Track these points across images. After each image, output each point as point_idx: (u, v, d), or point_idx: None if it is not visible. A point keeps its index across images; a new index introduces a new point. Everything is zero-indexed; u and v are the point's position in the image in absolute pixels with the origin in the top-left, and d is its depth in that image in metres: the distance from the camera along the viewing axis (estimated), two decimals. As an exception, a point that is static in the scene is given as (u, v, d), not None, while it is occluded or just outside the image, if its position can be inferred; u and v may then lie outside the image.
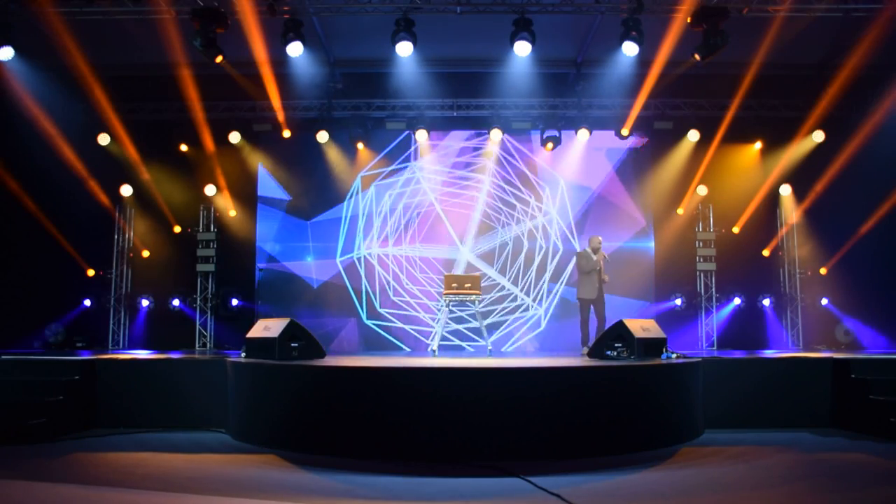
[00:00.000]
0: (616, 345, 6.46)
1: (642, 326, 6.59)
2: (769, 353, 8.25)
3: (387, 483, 4.48)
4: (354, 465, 4.92)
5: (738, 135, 10.89)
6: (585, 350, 7.80)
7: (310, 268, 11.34)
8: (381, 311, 11.20)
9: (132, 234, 11.31)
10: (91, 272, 11.06)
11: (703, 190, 11.08)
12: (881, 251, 10.14)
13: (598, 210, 11.44)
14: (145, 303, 11.11)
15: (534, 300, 11.23)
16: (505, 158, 11.47)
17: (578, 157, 11.43)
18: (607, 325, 7.13)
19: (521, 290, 11.24)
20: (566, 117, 10.89)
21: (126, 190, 11.08)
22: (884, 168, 9.91)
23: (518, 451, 5.13)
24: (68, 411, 6.29)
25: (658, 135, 11.40)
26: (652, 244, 11.45)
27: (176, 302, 11.05)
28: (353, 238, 11.40)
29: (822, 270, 10.88)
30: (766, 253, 11.24)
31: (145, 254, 11.23)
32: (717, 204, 11.18)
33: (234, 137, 11.00)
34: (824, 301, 10.85)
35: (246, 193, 11.45)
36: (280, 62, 9.72)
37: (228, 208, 11.28)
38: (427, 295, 11.16)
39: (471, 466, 4.88)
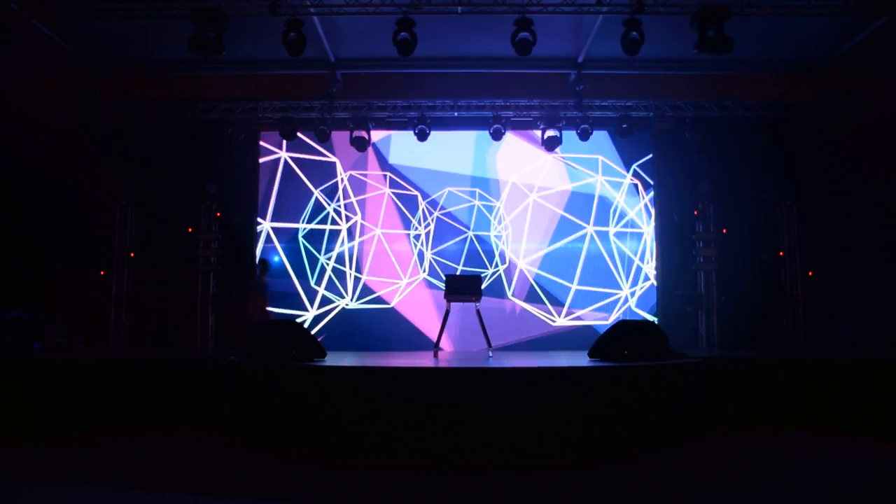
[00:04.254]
0: (617, 345, 6.46)
1: (643, 326, 6.59)
2: (770, 354, 8.23)
3: (387, 484, 4.48)
4: (356, 466, 4.92)
5: (738, 134, 10.88)
6: None
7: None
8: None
9: (132, 233, 11.30)
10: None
11: (704, 189, 11.08)
12: (883, 251, 10.12)
13: (599, 210, 11.49)
14: (145, 303, 11.09)
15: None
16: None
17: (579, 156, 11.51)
18: (608, 327, 7.12)
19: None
20: (566, 117, 10.89)
21: (127, 189, 11.08)
22: (885, 167, 9.91)
23: (518, 450, 5.14)
24: (68, 411, 6.29)
25: (658, 135, 11.45)
26: (652, 244, 11.47)
27: (176, 302, 11.02)
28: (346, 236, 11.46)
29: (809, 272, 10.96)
30: (766, 253, 11.24)
31: (145, 254, 11.21)
32: (718, 204, 11.18)
33: (235, 136, 11.00)
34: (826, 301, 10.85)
35: (247, 193, 11.46)
36: (281, 62, 9.72)
37: (228, 207, 11.27)
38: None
39: (472, 466, 4.88)
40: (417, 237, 11.45)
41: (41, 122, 10.16)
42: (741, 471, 4.81)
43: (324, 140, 11.04)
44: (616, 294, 11.35)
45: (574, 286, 11.30)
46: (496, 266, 11.37)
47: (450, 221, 11.48)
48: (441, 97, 10.83)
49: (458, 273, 11.05)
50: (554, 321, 11.25)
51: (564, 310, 11.27)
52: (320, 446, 5.37)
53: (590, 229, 11.39)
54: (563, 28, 9.28)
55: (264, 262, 10.06)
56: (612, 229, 11.45)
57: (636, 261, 11.43)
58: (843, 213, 10.50)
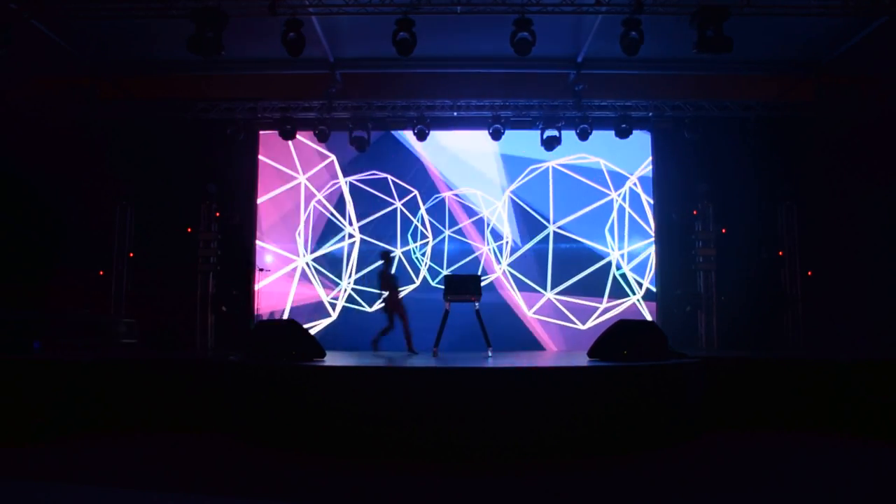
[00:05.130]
0: (616, 345, 6.45)
1: (643, 326, 6.58)
2: (770, 354, 8.24)
3: (387, 484, 4.48)
4: (356, 466, 4.92)
5: (738, 134, 10.88)
6: None
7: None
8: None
9: (132, 233, 11.30)
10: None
11: (703, 189, 11.09)
12: (883, 251, 10.12)
13: (598, 210, 11.52)
14: (145, 303, 11.08)
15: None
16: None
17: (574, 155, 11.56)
18: (608, 327, 7.11)
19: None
20: (566, 117, 10.89)
21: (127, 189, 11.09)
22: (885, 167, 9.92)
23: (518, 450, 5.13)
24: (68, 411, 6.29)
25: (658, 134, 11.47)
26: (652, 244, 11.49)
27: (176, 302, 11.03)
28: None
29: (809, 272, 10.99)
30: (766, 253, 11.24)
31: (145, 254, 11.22)
32: (717, 204, 11.18)
33: (235, 136, 11.01)
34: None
35: (247, 193, 11.47)
36: (280, 62, 9.72)
37: (228, 207, 11.28)
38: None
39: (472, 466, 4.88)
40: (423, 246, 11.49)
41: (41, 122, 10.16)
42: (741, 471, 4.81)
43: (323, 140, 11.04)
44: (628, 300, 11.38)
45: (603, 304, 11.32)
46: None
47: (461, 238, 11.53)
48: (440, 97, 10.84)
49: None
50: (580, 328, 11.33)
51: (591, 320, 11.31)
52: (320, 446, 5.36)
53: (615, 255, 11.41)
54: (562, 28, 9.29)
55: (386, 254, 9.25)
56: (627, 249, 11.48)
57: (644, 284, 11.45)
58: (843, 213, 10.50)
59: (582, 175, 11.60)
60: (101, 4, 8.11)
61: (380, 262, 9.19)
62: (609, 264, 11.41)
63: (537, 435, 5.17)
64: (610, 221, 11.48)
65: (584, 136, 10.76)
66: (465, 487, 4.36)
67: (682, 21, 8.03)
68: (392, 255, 9.29)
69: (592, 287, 11.39)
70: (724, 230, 11.17)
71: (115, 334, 9.50)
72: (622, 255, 11.43)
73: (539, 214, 11.53)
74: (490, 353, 8.26)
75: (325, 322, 11.30)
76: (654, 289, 11.43)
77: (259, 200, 11.56)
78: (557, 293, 11.32)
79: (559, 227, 11.44)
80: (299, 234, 11.48)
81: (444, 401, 5.21)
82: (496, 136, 10.82)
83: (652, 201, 11.57)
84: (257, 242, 11.46)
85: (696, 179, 11.14)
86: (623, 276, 11.35)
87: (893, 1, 8.07)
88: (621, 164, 11.63)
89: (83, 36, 9.42)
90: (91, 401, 6.48)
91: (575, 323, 11.29)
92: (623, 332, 6.51)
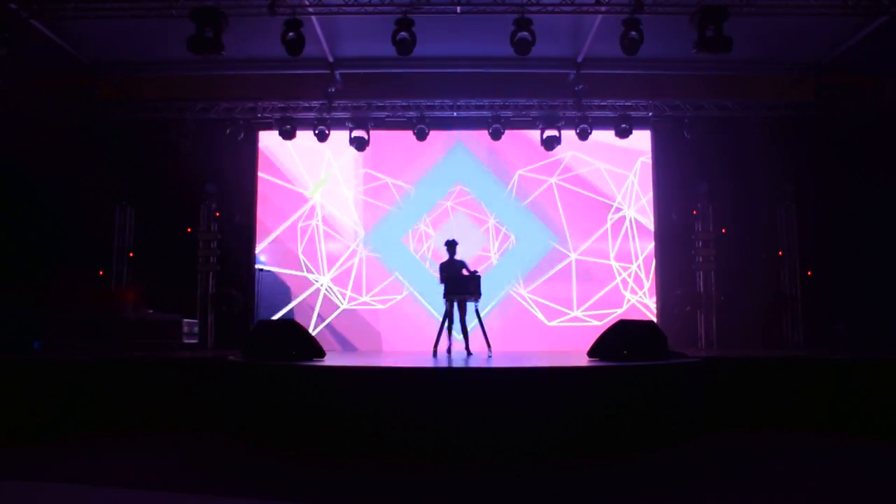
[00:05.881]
0: (616, 345, 6.45)
1: (642, 326, 6.58)
2: (770, 354, 8.24)
3: (387, 484, 4.48)
4: (356, 466, 4.92)
5: (738, 133, 10.87)
6: None
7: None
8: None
9: (132, 233, 11.29)
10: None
11: (703, 189, 11.08)
12: (883, 251, 10.12)
13: (598, 210, 11.52)
14: (145, 303, 11.07)
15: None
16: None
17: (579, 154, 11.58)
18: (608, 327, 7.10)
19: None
20: (566, 117, 10.89)
21: (127, 189, 11.08)
22: (885, 167, 9.93)
23: (518, 450, 5.14)
24: (68, 411, 6.29)
25: (658, 134, 11.46)
26: (652, 244, 11.48)
27: (176, 302, 11.01)
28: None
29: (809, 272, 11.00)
30: (766, 253, 11.24)
31: (145, 254, 11.21)
32: (717, 203, 11.17)
33: (234, 136, 11.01)
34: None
35: (246, 192, 11.46)
36: (280, 62, 9.73)
37: (228, 207, 11.28)
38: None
39: (472, 466, 4.88)
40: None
41: (41, 122, 10.16)
42: (741, 471, 4.81)
43: (323, 140, 11.03)
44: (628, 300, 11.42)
45: (622, 309, 11.35)
46: None
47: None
48: (440, 97, 10.83)
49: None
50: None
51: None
52: (320, 446, 5.37)
53: (630, 270, 11.40)
54: (562, 28, 9.29)
55: (448, 243, 8.44)
56: (633, 263, 11.48)
57: (646, 288, 11.47)
58: (843, 213, 10.50)
59: (582, 183, 11.58)
60: (101, 4, 8.11)
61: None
62: (625, 275, 11.44)
63: (537, 435, 5.17)
64: (618, 238, 11.49)
65: (583, 135, 10.75)
66: (465, 487, 4.36)
67: (681, 21, 8.03)
68: (455, 244, 8.39)
69: (607, 300, 11.45)
70: (724, 230, 11.16)
71: (179, 334, 9.73)
72: (638, 265, 11.43)
73: (550, 237, 11.52)
74: (490, 354, 8.26)
75: (333, 315, 11.32)
76: (652, 301, 11.42)
77: (262, 231, 11.56)
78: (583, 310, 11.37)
79: (580, 255, 11.45)
80: (303, 249, 11.47)
81: (444, 401, 5.21)
82: (496, 135, 10.81)
83: (652, 214, 11.54)
84: (258, 266, 11.42)
85: (696, 179, 11.13)
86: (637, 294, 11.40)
87: (893, 1, 8.07)
88: (620, 164, 11.62)
89: (83, 36, 9.41)
90: (91, 401, 6.49)
91: (589, 322, 11.31)
92: (623, 332, 6.51)
